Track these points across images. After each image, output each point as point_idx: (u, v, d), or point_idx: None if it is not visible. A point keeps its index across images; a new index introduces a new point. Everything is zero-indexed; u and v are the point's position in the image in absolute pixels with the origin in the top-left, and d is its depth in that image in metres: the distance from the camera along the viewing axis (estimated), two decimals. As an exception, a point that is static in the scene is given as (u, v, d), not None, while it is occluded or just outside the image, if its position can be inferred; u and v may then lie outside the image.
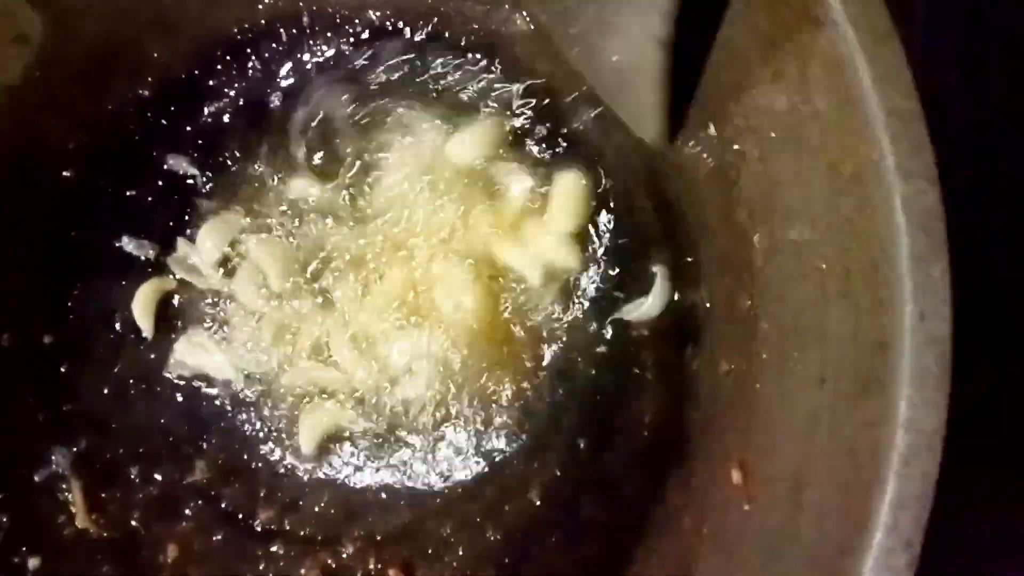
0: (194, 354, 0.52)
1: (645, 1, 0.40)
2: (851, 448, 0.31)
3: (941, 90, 0.54)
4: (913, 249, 0.29)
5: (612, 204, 0.49)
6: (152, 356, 0.52)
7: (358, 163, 0.52)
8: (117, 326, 0.52)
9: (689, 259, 0.44)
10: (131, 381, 0.51)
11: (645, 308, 0.46)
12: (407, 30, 0.53)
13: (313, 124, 0.53)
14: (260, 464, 0.51)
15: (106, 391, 0.51)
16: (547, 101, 0.51)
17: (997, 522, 0.49)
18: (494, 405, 0.48)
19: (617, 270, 0.48)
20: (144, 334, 0.51)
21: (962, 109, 0.54)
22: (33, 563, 0.47)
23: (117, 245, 0.52)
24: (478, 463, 0.49)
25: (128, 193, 0.53)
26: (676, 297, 0.46)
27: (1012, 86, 0.55)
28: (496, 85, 0.52)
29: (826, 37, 0.32)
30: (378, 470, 0.50)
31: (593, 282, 0.49)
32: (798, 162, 0.35)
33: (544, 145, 0.50)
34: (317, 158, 0.52)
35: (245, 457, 0.51)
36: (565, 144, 0.50)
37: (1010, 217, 0.54)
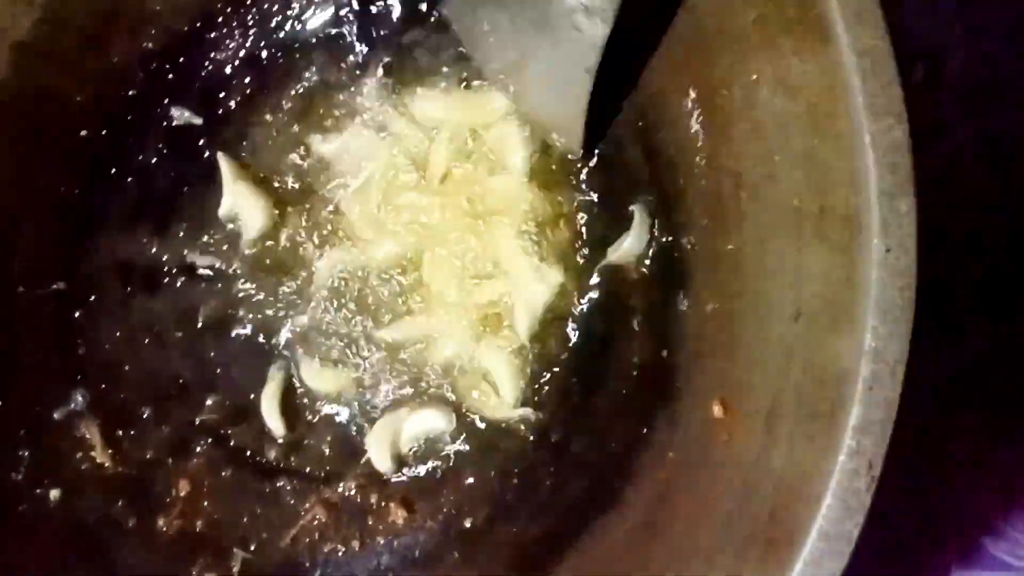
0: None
1: (575, 37, 0.42)
2: (821, 379, 0.33)
3: (939, 42, 0.54)
4: (881, 184, 0.30)
5: (602, 151, 0.50)
6: (160, 304, 0.54)
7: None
8: (128, 276, 0.54)
9: (677, 204, 0.45)
10: (142, 329, 0.53)
11: (626, 246, 0.47)
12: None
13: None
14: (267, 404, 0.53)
15: (118, 335, 0.53)
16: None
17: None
18: (488, 348, 0.50)
19: (607, 216, 0.49)
20: (276, 433, 0.52)
21: (961, 58, 0.54)
22: (54, 494, 0.49)
23: (126, 197, 0.54)
24: (473, 405, 0.51)
25: (136, 146, 0.54)
26: (666, 239, 0.47)
27: (1010, 36, 0.55)
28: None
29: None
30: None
31: (583, 227, 0.50)
32: (777, 103, 0.36)
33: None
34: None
35: (252, 398, 0.53)
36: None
37: (1011, 172, 0.54)
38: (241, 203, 0.53)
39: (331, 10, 0.54)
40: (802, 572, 0.30)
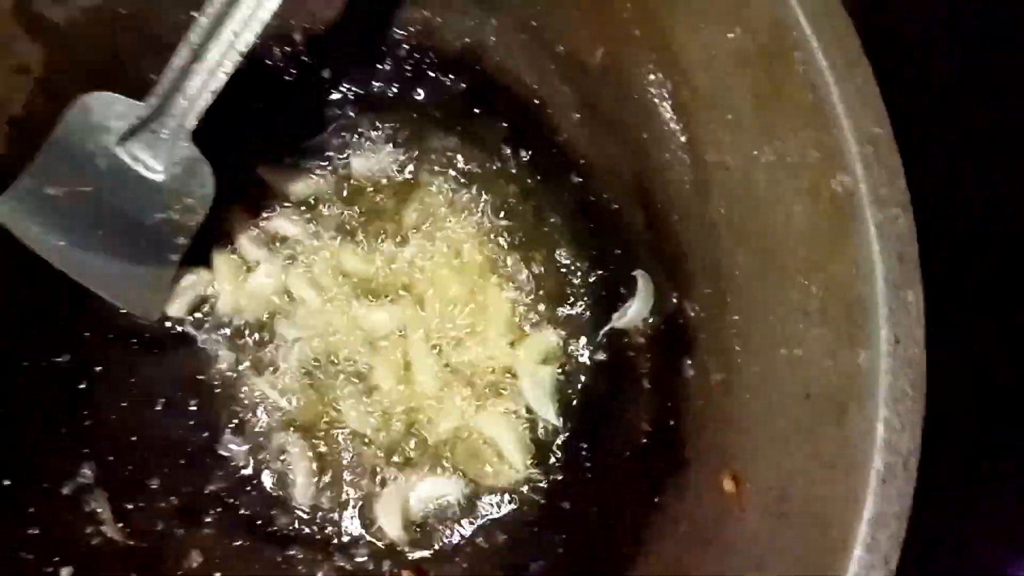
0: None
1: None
2: (832, 464, 0.32)
3: (925, 44, 0.53)
4: (887, 275, 0.30)
5: (602, 214, 0.50)
6: (167, 370, 0.54)
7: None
8: (132, 343, 0.53)
9: (680, 271, 0.45)
10: (147, 396, 0.53)
11: (631, 312, 0.47)
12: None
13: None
14: (276, 473, 0.53)
15: (124, 405, 0.53)
16: (534, 112, 0.51)
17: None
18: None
19: (615, 278, 0.49)
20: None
21: (948, 64, 0.54)
22: (65, 573, 0.49)
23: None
24: (484, 471, 0.51)
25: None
26: (671, 305, 0.47)
27: (998, 38, 0.54)
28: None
29: (799, 60, 0.32)
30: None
31: (589, 293, 0.50)
32: (780, 181, 0.36)
33: (536, 157, 0.51)
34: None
35: (261, 466, 0.53)
36: (555, 152, 0.51)
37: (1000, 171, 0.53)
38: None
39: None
40: (821, 666, 0.30)
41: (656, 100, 0.42)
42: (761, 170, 0.36)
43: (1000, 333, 0.52)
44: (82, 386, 0.53)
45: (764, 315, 0.38)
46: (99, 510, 0.51)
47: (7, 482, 0.48)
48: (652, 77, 0.42)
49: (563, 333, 0.50)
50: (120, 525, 0.51)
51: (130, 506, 0.52)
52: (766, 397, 0.38)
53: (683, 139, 0.41)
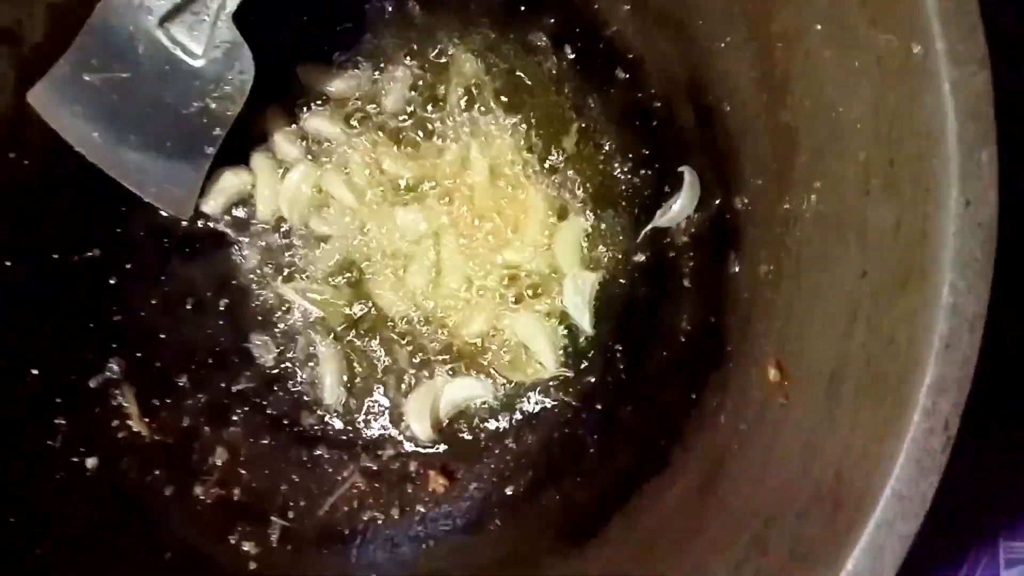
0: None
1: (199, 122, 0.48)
2: (891, 338, 0.31)
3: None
4: (961, 134, 0.29)
5: (653, 109, 0.48)
6: (199, 270, 0.53)
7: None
8: (165, 242, 0.53)
9: (729, 164, 0.44)
10: (178, 294, 0.53)
11: (675, 208, 0.46)
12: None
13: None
14: (304, 374, 0.52)
15: (154, 302, 0.53)
16: (582, 7, 0.50)
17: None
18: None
19: (659, 177, 0.48)
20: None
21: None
22: (91, 463, 0.49)
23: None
24: (516, 369, 0.50)
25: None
26: (717, 201, 0.46)
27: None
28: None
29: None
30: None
31: (633, 190, 0.49)
32: (844, 57, 0.35)
33: (582, 53, 0.50)
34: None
35: (289, 367, 0.52)
36: (603, 48, 0.50)
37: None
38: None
39: None
40: (874, 534, 0.29)
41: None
42: (827, 45, 0.35)
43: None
44: (112, 282, 0.52)
45: (820, 198, 0.37)
46: (126, 405, 0.51)
47: (35, 371, 0.48)
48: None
49: (599, 225, 0.49)
50: (147, 420, 0.51)
51: (157, 402, 0.52)
52: (818, 283, 0.37)
53: (744, 23, 0.40)
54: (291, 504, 0.51)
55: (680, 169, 0.46)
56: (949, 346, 0.29)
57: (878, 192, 0.33)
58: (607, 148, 0.50)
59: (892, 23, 0.32)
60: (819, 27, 0.35)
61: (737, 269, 0.44)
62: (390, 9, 0.53)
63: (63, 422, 0.49)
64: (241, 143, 0.53)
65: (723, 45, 0.42)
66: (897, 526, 0.29)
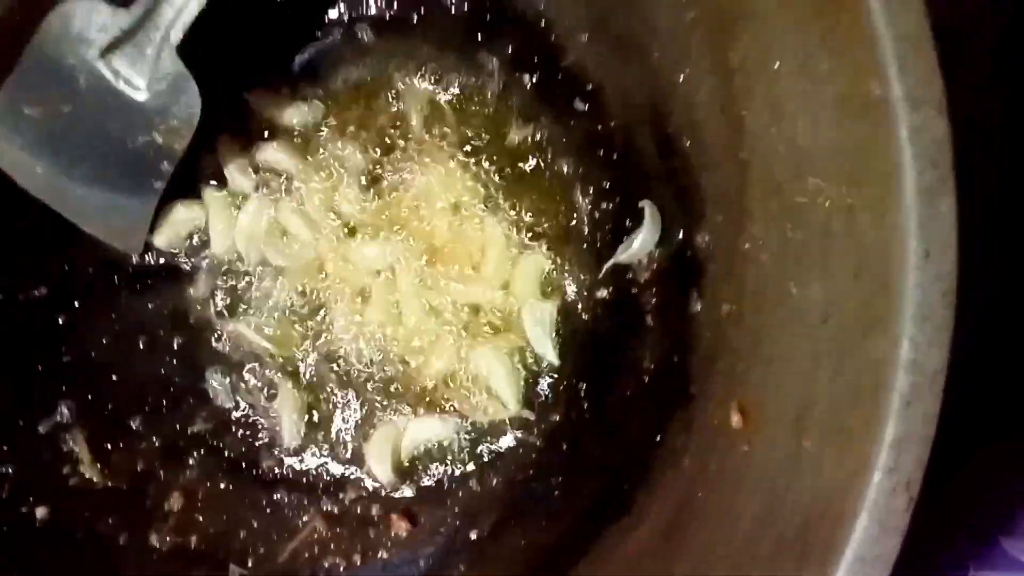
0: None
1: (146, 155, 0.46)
2: (853, 389, 0.31)
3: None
4: (919, 182, 0.28)
5: (612, 141, 0.47)
6: (151, 306, 0.51)
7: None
8: (114, 277, 0.51)
9: (690, 199, 0.43)
10: (130, 332, 0.51)
11: (637, 244, 0.45)
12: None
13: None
14: (261, 415, 0.51)
15: (105, 341, 0.51)
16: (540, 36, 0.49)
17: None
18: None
19: (620, 210, 0.47)
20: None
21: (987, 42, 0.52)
22: (41, 512, 0.47)
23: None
24: (479, 408, 0.49)
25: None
26: (678, 237, 0.45)
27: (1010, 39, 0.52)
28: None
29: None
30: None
31: (594, 223, 0.48)
32: (805, 93, 0.34)
33: (540, 82, 0.49)
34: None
35: (246, 407, 0.51)
36: (561, 78, 0.49)
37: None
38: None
39: None
40: (838, 595, 0.28)
41: (673, 13, 0.40)
42: (787, 80, 0.34)
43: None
44: (61, 321, 0.50)
45: (781, 238, 0.36)
46: (77, 449, 0.49)
47: (-19, 418, 0.46)
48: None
49: (558, 260, 0.48)
50: (99, 465, 0.49)
51: (109, 446, 0.50)
52: (780, 325, 0.36)
53: (703, 54, 0.39)
54: (250, 551, 0.49)
55: (641, 204, 0.45)
56: (910, 403, 0.28)
57: (839, 236, 0.32)
58: (567, 180, 0.49)
59: (852, 62, 0.31)
60: (779, 62, 0.34)
61: (699, 308, 0.43)
62: (340, 37, 0.52)
63: (10, 470, 0.47)
64: (194, 173, 0.51)
65: (683, 77, 0.40)
66: (862, 587, 0.28)
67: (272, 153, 0.51)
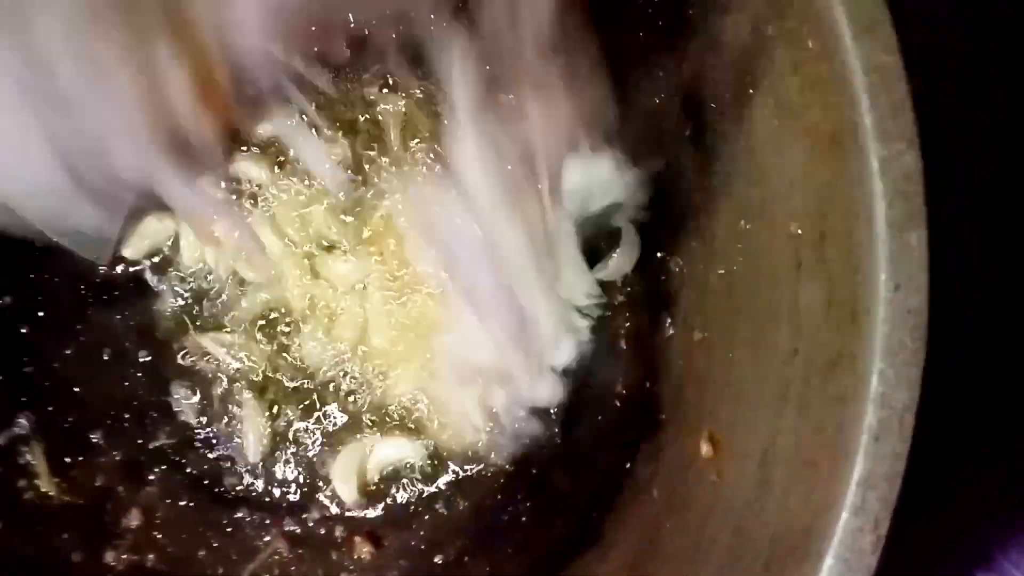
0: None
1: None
2: (819, 424, 0.30)
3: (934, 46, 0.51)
4: (889, 215, 0.28)
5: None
6: (117, 318, 0.50)
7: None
8: (80, 289, 0.50)
9: (665, 223, 0.43)
10: (95, 344, 0.50)
11: (613, 264, 0.44)
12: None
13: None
14: (225, 431, 0.50)
15: (68, 353, 0.50)
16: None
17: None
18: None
19: (595, 231, 0.46)
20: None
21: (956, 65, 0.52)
22: (-7, 528, 0.46)
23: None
24: (446, 433, 0.48)
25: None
26: (653, 260, 0.44)
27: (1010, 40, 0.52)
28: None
29: (806, -13, 0.30)
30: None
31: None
32: (775, 123, 0.33)
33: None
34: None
35: (209, 423, 0.50)
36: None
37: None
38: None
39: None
40: (802, 639, 0.27)
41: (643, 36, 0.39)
42: (757, 110, 0.34)
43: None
44: (23, 331, 0.49)
45: (753, 268, 0.35)
46: (34, 463, 0.48)
47: (-67, 429, 0.45)
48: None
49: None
50: (57, 480, 0.48)
51: (68, 460, 0.48)
52: (750, 355, 0.35)
53: (673, 82, 0.39)
54: (209, 571, 0.48)
55: (617, 224, 0.44)
56: (878, 439, 0.27)
57: (809, 267, 0.32)
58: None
59: (822, 93, 0.30)
60: (751, 91, 0.34)
61: (672, 333, 0.42)
62: (316, 50, 0.51)
63: (-37, 483, 0.46)
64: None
65: (655, 104, 0.40)
66: (825, 631, 0.27)
67: (246, 166, 0.51)
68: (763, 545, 0.31)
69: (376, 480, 0.48)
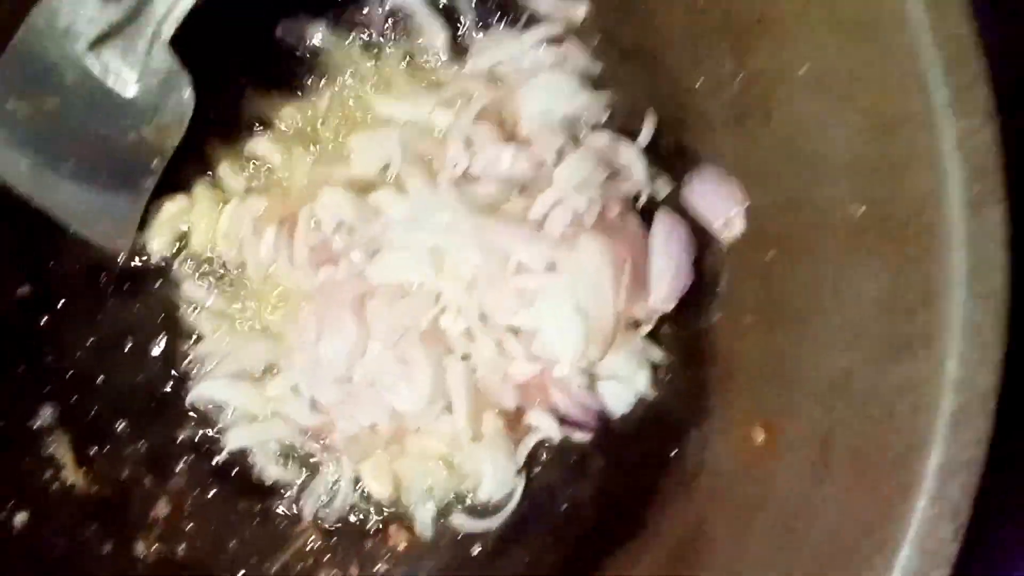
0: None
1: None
2: (886, 411, 0.29)
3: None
4: (966, 193, 0.26)
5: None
6: (137, 308, 0.49)
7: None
8: (100, 279, 0.49)
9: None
10: (116, 335, 0.49)
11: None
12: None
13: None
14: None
15: (90, 343, 0.49)
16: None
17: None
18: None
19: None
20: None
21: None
22: (20, 518, 0.45)
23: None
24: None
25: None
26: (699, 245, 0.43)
27: None
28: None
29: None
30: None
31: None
32: (829, 106, 0.32)
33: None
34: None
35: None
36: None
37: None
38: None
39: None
40: (874, 634, 0.26)
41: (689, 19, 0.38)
42: (811, 92, 0.32)
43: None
44: (44, 321, 0.48)
45: (805, 252, 0.34)
46: (59, 454, 0.47)
47: (-42, 419, 0.44)
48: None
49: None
50: (83, 470, 0.47)
51: (93, 451, 0.48)
52: (806, 341, 0.34)
53: (721, 61, 0.37)
54: (240, 562, 0.47)
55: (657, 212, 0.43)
56: (959, 424, 0.26)
57: (870, 251, 0.31)
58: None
59: (885, 71, 0.29)
60: (801, 72, 0.33)
61: (719, 317, 0.41)
62: (330, 32, 0.50)
63: (-11, 473, 0.45)
64: (184, 170, 0.49)
65: (697, 85, 0.39)
66: (902, 623, 0.26)
67: (263, 149, 0.49)
68: (822, 538, 0.31)
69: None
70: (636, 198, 0.42)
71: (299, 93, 0.50)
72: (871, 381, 0.30)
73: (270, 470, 0.48)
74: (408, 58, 0.49)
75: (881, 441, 0.29)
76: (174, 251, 0.49)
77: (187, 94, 0.44)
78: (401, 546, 0.47)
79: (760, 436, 0.35)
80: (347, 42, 0.50)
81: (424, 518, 0.46)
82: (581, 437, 0.44)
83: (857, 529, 0.29)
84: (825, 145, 0.33)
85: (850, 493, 0.30)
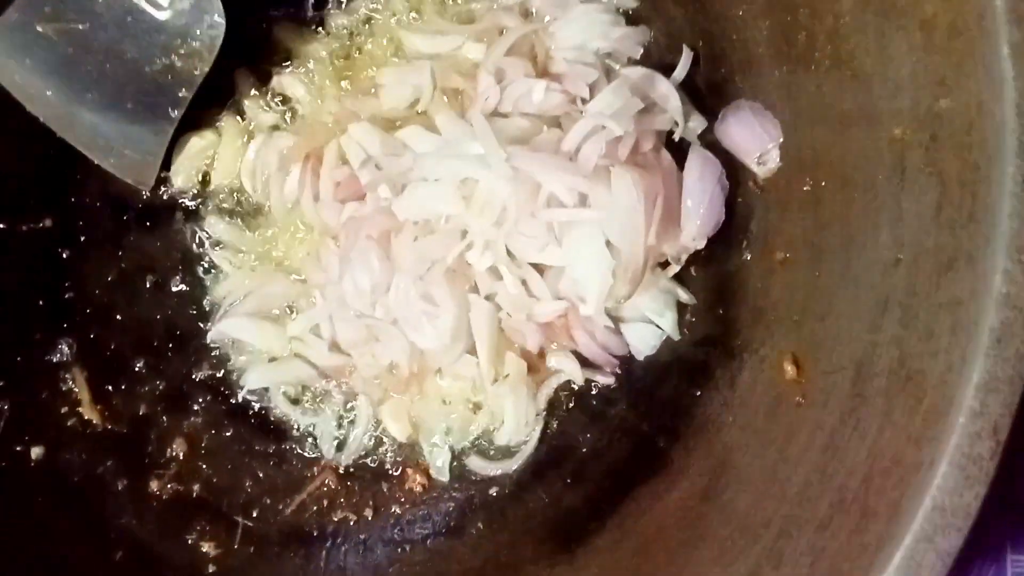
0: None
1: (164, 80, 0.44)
2: (927, 331, 0.29)
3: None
4: (1021, 103, 0.26)
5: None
6: (159, 245, 0.49)
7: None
8: (122, 213, 0.49)
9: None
10: (136, 271, 0.49)
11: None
12: None
13: None
14: (273, 359, 0.48)
15: (110, 279, 0.48)
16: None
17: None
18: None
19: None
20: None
21: None
22: (36, 452, 0.45)
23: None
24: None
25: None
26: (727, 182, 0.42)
27: None
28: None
29: None
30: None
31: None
32: (881, 22, 0.31)
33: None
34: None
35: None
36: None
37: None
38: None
39: None
40: (912, 549, 0.26)
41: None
42: (860, 5, 0.32)
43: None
44: (65, 255, 0.48)
45: (846, 179, 0.34)
46: (76, 389, 0.47)
47: (-26, 351, 0.44)
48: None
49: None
50: (99, 407, 0.47)
51: (110, 388, 0.47)
52: (842, 269, 0.34)
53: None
54: (255, 502, 0.47)
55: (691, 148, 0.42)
56: (1001, 340, 0.26)
57: (916, 171, 0.30)
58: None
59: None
60: (849, -11, 0.32)
61: (748, 257, 0.40)
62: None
63: (5, 406, 0.44)
64: (210, 108, 0.49)
65: (741, 12, 0.38)
66: (938, 541, 0.26)
67: (290, 83, 0.49)
68: (860, 462, 0.30)
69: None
70: (670, 134, 0.42)
71: (329, 28, 0.50)
72: (911, 305, 0.30)
73: (287, 411, 0.48)
74: (440, -9, 0.49)
75: (920, 364, 0.28)
76: (198, 187, 0.49)
77: (218, 18, 0.44)
78: (417, 489, 0.46)
79: (791, 370, 0.35)
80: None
81: (441, 461, 0.46)
82: (604, 380, 0.44)
83: (899, 448, 0.28)
84: (882, 63, 0.32)
85: (891, 413, 0.30)
